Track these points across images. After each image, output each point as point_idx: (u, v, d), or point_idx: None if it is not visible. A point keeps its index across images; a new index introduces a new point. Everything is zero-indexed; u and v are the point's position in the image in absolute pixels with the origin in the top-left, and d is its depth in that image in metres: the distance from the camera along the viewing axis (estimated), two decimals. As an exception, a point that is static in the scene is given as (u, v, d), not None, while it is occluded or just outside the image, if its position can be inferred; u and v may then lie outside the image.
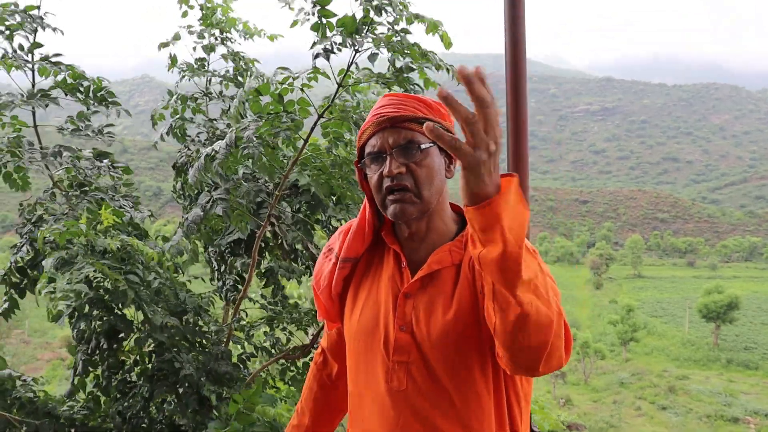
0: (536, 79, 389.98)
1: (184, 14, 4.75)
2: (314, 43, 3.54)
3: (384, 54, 3.65)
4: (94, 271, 3.43)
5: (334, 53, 3.54)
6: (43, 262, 3.50)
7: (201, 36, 4.88)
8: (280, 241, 4.67)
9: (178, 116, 4.62)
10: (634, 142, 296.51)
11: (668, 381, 67.25)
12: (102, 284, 3.81)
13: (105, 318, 3.94)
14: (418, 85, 3.85)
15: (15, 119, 4.15)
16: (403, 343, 1.70)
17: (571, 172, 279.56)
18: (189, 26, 4.88)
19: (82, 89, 4.09)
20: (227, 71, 5.02)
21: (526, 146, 2.57)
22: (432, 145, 1.71)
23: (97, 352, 4.07)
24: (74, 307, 3.71)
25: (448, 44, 3.81)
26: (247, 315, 5.00)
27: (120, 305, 3.86)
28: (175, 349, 4.16)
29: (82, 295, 3.60)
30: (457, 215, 1.85)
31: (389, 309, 1.76)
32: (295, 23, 3.55)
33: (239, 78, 4.94)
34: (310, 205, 4.46)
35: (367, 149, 1.76)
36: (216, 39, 4.90)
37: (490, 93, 1.16)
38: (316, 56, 3.50)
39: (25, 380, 4.12)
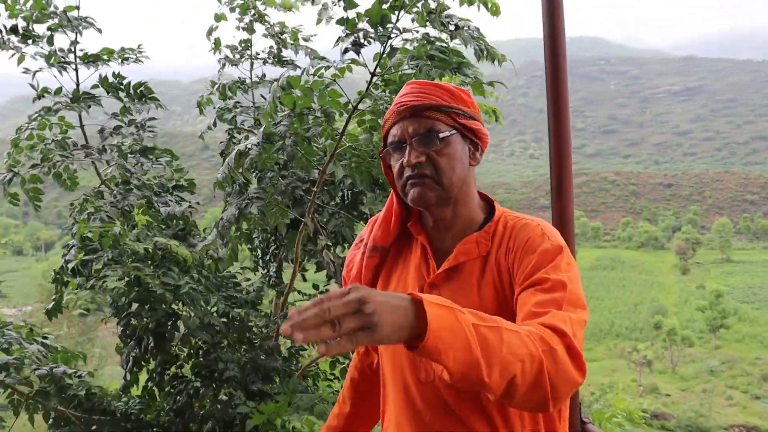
0: (615, 61, 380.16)
1: None
2: (339, 38, 3.46)
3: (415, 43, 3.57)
4: (123, 277, 3.46)
5: (365, 45, 3.46)
6: (68, 262, 3.54)
7: (244, 12, 4.79)
8: (327, 229, 4.65)
9: (221, 106, 4.62)
10: (721, 122, 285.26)
11: (762, 369, 64.77)
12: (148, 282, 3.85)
13: (152, 315, 3.98)
14: (464, 68, 3.73)
15: (62, 120, 4.24)
16: None
17: (654, 155, 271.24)
18: (230, 2, 4.79)
19: (122, 87, 4.16)
20: (271, 47, 4.97)
21: (569, 133, 2.44)
22: (453, 132, 1.72)
23: (147, 349, 4.14)
24: (118, 306, 3.77)
25: (495, 11, 3.66)
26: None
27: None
28: (223, 347, 4.18)
29: (123, 295, 3.65)
30: (484, 203, 1.87)
31: None
32: (319, 21, 3.48)
33: (282, 52, 4.89)
34: (353, 193, 4.41)
35: (389, 139, 1.79)
36: (255, 16, 4.82)
37: (311, 309, 1.17)
38: (345, 51, 3.44)
39: (80, 375, 4.20)
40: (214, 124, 4.57)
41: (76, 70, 4.22)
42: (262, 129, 3.60)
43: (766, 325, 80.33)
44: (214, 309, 4.08)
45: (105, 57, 4.23)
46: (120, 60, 4.25)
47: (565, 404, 1.75)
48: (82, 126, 4.37)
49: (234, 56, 4.94)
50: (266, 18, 4.80)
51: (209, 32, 4.80)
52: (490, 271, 1.71)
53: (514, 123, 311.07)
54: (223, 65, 4.90)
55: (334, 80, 3.57)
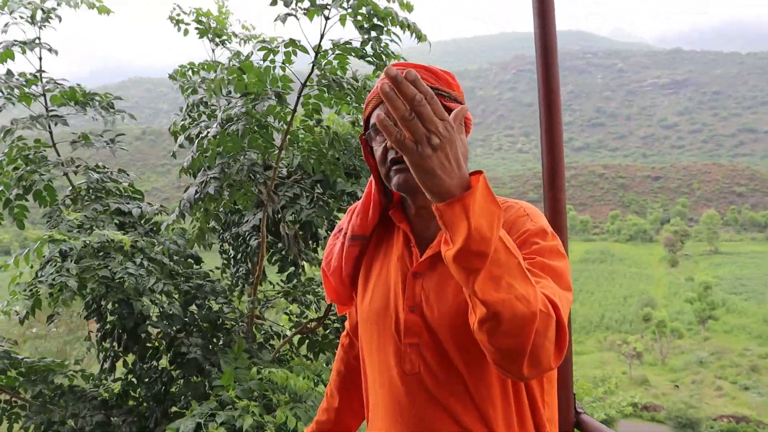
0: (602, 54, 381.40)
1: (185, 33, 4.88)
2: (276, 15, 3.63)
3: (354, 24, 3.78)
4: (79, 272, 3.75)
5: (296, 18, 3.64)
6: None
7: (215, 40, 4.92)
8: (300, 220, 4.74)
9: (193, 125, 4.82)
10: (707, 115, 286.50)
11: (750, 360, 65.13)
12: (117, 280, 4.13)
13: (118, 313, 4.27)
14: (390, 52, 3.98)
15: (38, 142, 4.64)
16: (413, 324, 1.65)
17: (642, 148, 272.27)
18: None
19: (97, 99, 4.49)
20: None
21: (560, 127, 2.42)
22: None
23: (124, 343, 4.43)
24: (95, 306, 4.05)
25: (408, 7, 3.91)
26: (265, 297, 5.20)
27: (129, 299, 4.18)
28: (191, 334, 4.46)
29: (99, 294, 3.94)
30: None
31: (399, 290, 1.71)
32: None
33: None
34: (323, 185, 4.59)
35: (372, 120, 1.70)
36: (215, 46, 5.01)
37: (423, 91, 1.15)
38: (275, 19, 3.61)
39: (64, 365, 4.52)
40: (181, 146, 4.72)
41: (45, 95, 4.60)
42: (221, 114, 3.82)
43: (754, 316, 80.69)
44: (177, 297, 4.38)
45: (68, 99, 4.59)
46: (85, 102, 4.59)
47: (552, 390, 1.70)
48: (54, 145, 4.78)
49: (188, 88, 5.12)
50: (226, 41, 5.00)
51: (173, 76, 5.06)
52: None
53: (501, 118, 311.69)
54: (187, 95, 5.08)
55: (285, 65, 3.76)
